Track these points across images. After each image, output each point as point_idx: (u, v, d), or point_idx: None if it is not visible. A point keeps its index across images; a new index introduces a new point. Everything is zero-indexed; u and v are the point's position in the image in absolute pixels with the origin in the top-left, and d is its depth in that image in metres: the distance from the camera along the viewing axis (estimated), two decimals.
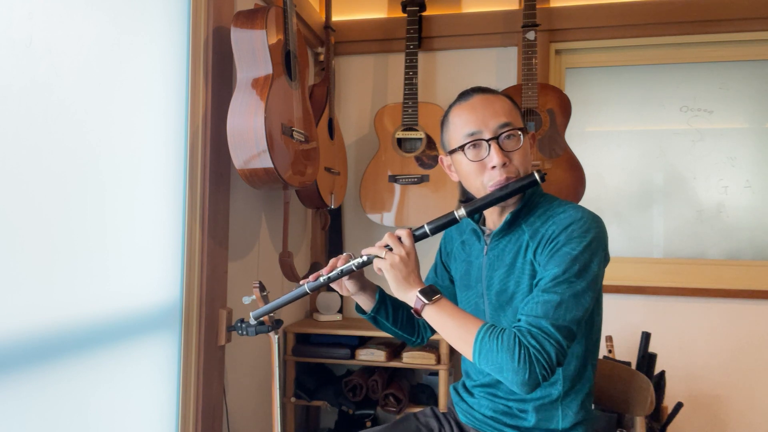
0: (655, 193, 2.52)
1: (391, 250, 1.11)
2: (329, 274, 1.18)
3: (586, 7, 2.46)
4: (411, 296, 1.09)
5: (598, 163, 2.55)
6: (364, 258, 1.15)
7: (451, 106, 1.20)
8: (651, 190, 2.52)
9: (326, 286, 2.61)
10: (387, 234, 1.13)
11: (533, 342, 0.98)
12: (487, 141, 1.12)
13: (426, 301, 1.07)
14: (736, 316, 2.32)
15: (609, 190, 2.55)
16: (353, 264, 1.16)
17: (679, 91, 2.50)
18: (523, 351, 0.97)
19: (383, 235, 1.15)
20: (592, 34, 2.47)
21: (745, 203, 2.42)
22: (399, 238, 1.12)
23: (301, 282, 1.21)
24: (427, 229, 1.12)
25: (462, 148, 1.14)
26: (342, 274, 1.18)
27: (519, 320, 1.03)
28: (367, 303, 1.30)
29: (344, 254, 1.21)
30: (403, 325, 1.34)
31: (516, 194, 1.12)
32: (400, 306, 1.34)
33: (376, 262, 1.12)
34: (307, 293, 1.21)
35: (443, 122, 1.22)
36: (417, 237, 1.13)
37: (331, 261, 1.20)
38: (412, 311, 1.11)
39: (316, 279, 1.19)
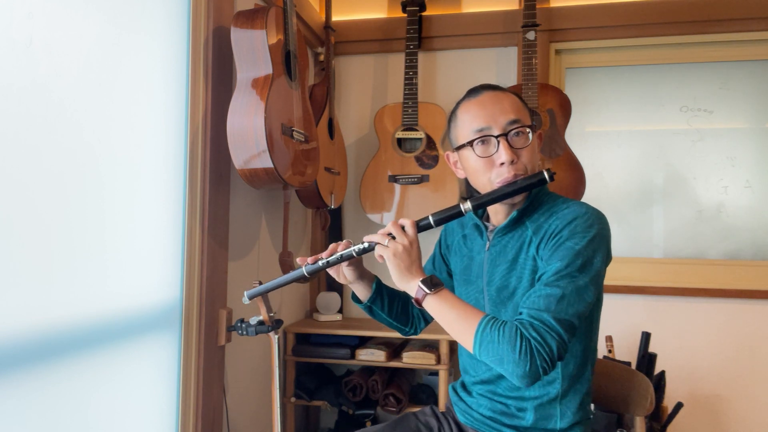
0: (655, 193, 2.51)
1: (393, 238, 1.10)
2: (328, 258, 1.17)
3: (586, 7, 2.46)
4: (412, 286, 1.09)
5: (598, 163, 2.55)
6: (365, 245, 1.13)
7: (459, 103, 1.20)
8: (651, 190, 2.52)
9: (326, 281, 2.64)
10: (390, 222, 1.12)
11: (535, 334, 0.98)
12: (496, 137, 1.11)
13: (428, 291, 1.07)
14: (736, 316, 2.32)
15: (609, 190, 2.55)
16: (354, 250, 1.15)
17: (679, 91, 2.50)
18: (524, 343, 0.97)
19: None
20: (592, 34, 2.47)
21: (745, 203, 2.42)
22: (402, 227, 1.11)
23: (299, 261, 1.20)
24: (431, 220, 1.12)
25: (471, 143, 1.13)
26: (342, 259, 1.17)
27: (521, 313, 1.03)
28: (363, 292, 1.29)
29: (344, 240, 1.20)
30: (398, 315, 1.34)
31: (524, 191, 1.11)
32: (395, 296, 1.34)
33: (379, 249, 1.11)
34: (304, 276, 1.19)
35: (450, 118, 1.21)
36: (420, 227, 1.12)
37: (331, 246, 1.19)
38: (413, 301, 1.10)
39: (315, 262, 1.18)
